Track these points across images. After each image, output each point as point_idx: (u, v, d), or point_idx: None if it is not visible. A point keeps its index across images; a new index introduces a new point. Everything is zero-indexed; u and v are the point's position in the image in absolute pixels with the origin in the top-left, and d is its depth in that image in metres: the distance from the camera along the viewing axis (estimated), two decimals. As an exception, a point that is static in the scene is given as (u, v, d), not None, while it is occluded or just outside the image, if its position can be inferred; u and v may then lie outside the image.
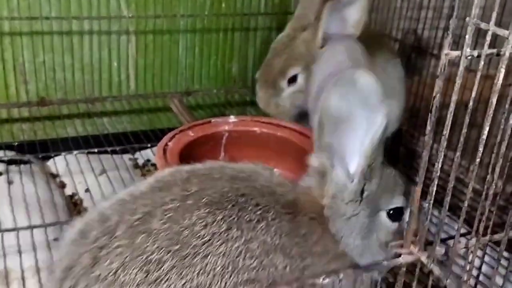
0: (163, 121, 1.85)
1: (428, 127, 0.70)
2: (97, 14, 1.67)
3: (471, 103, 0.64)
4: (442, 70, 0.66)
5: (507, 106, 0.69)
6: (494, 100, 0.62)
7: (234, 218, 0.73)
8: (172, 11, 1.74)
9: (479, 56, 0.67)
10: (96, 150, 1.62)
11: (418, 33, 1.94)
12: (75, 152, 1.61)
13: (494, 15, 0.63)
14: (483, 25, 0.64)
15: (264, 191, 0.78)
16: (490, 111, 0.62)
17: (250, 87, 1.94)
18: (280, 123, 1.34)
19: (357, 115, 0.75)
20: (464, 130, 0.68)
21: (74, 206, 1.47)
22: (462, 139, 0.68)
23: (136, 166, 1.68)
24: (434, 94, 0.68)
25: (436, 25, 1.66)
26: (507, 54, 0.61)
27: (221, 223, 0.72)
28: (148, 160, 1.72)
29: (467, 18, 0.65)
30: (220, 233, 0.71)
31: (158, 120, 1.86)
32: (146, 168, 1.65)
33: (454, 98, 0.67)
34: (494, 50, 0.68)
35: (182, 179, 0.78)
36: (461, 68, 0.66)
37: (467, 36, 0.65)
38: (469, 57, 0.67)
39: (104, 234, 0.72)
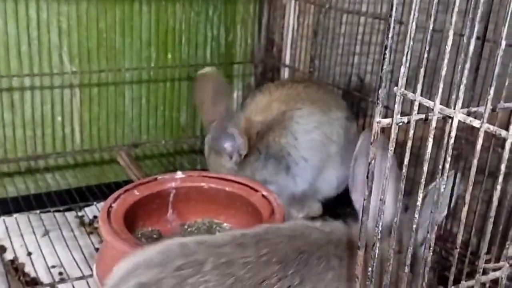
0: (109, 175, 1.81)
1: (366, 192, 0.71)
2: (39, 69, 1.63)
3: (404, 173, 0.66)
4: (375, 137, 0.68)
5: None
6: (425, 168, 0.64)
7: (302, 273, 0.80)
8: (117, 65, 1.73)
9: (409, 122, 0.69)
10: (38, 211, 1.55)
11: (360, 77, 2.01)
12: (15, 215, 1.54)
13: (419, 86, 0.65)
14: (410, 95, 0.67)
15: (320, 243, 0.85)
16: (421, 188, 0.64)
17: (199, 136, 1.93)
18: (228, 178, 1.34)
19: None
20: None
21: (16, 271, 1.40)
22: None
23: (82, 223, 1.62)
24: (369, 160, 0.70)
25: (377, 70, 1.73)
26: (434, 124, 0.64)
27: (294, 276, 0.79)
28: (95, 217, 1.66)
29: (395, 88, 0.68)
30: (295, 286, 0.79)
31: (104, 174, 1.81)
32: (92, 226, 1.60)
33: (389, 164, 0.68)
34: (423, 116, 0.70)
35: (252, 243, 0.84)
36: (393, 135, 0.68)
37: (395, 105, 0.67)
38: (400, 124, 0.69)
39: (191, 266, 0.76)
